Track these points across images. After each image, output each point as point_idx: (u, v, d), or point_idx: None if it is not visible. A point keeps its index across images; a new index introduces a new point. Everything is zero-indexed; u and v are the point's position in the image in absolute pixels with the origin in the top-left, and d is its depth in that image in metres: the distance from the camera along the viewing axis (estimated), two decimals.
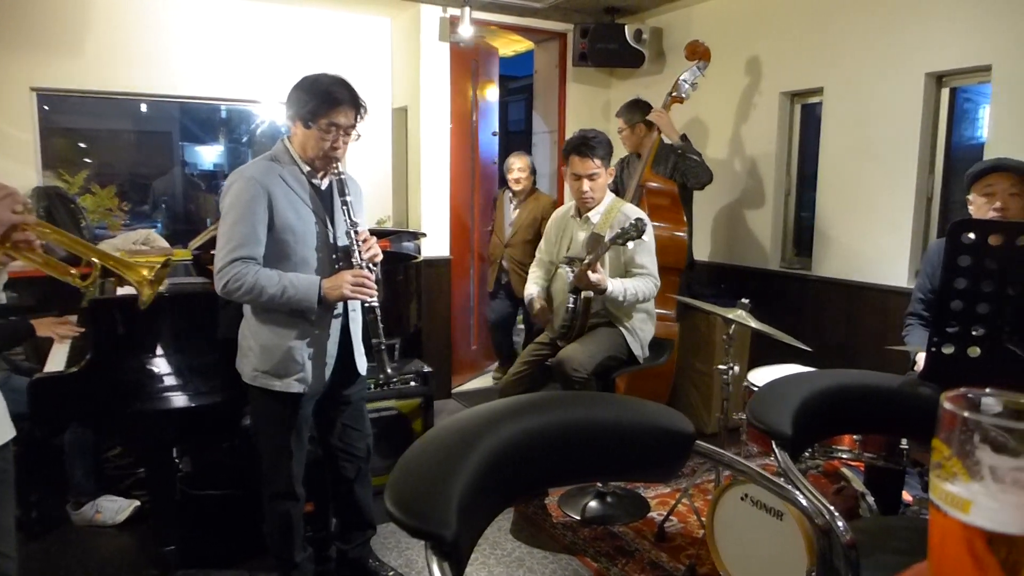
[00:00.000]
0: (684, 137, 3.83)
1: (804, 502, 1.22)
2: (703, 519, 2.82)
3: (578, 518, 3.10)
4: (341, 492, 2.58)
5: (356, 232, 2.21)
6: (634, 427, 1.30)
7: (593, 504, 3.17)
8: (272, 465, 2.34)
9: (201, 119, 6.61)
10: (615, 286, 2.86)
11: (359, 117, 2.24)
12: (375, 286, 2.18)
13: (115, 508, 3.01)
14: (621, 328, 3.03)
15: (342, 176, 2.25)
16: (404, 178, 4.78)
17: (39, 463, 2.96)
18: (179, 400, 2.48)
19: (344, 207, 2.23)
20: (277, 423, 2.30)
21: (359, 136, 2.27)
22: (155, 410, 2.45)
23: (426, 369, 3.27)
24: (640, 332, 3.06)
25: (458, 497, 0.88)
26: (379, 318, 2.19)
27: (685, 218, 3.74)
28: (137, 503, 3.06)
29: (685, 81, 3.86)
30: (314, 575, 2.52)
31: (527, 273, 3.33)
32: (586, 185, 2.97)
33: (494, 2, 4.44)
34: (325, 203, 2.28)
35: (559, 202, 4.70)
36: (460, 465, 0.94)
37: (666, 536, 2.93)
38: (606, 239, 2.82)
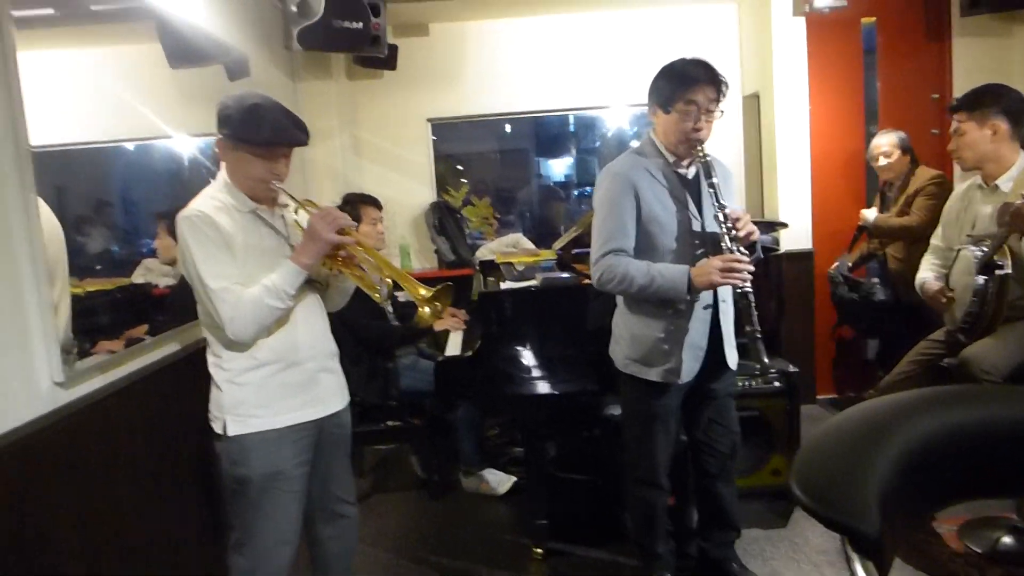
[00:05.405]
0: None
1: None
2: None
3: (985, 554, 2.57)
4: (703, 487, 2.53)
5: (724, 215, 2.11)
6: None
7: (1008, 540, 2.60)
8: (637, 452, 2.38)
9: (552, 134, 7.15)
10: None
11: (720, 95, 2.16)
12: (748, 269, 2.05)
13: (497, 480, 3.39)
14: None
15: (707, 159, 2.17)
16: (758, 167, 4.54)
17: (439, 435, 3.47)
18: (545, 387, 2.68)
19: (711, 190, 2.15)
20: (644, 411, 2.32)
21: (722, 113, 2.19)
22: (527, 394, 2.68)
23: (791, 369, 3.02)
24: None
25: (878, 492, 0.77)
26: (752, 304, 2.06)
27: None
28: (515, 478, 3.40)
29: None
30: (674, 570, 2.51)
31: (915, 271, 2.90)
32: (952, 144, 2.70)
33: None
34: (692, 191, 2.24)
35: (948, 177, 3.96)
36: (876, 458, 0.82)
37: None
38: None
